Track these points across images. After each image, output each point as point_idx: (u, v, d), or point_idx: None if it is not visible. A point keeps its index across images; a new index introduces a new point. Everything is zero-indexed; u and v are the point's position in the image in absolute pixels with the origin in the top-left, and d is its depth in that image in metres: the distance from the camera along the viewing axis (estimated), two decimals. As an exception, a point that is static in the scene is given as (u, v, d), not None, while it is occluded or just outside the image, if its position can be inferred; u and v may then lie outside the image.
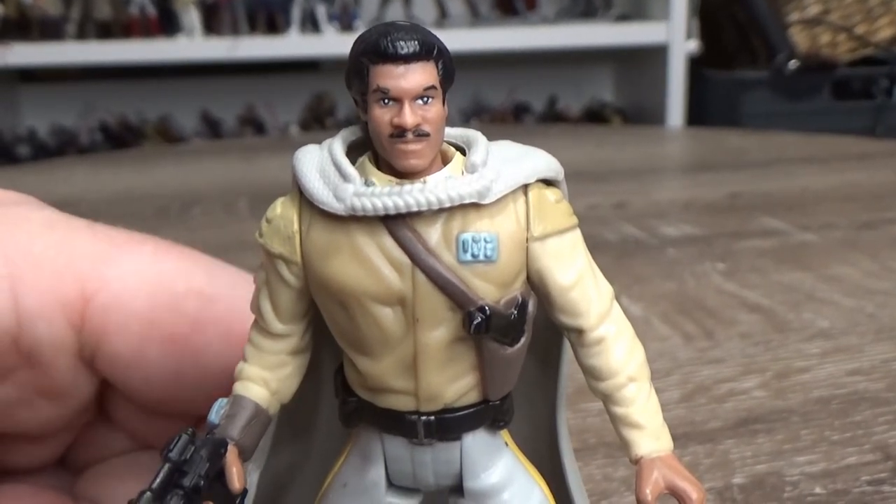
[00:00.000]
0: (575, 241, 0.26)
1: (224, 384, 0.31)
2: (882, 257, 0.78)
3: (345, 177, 0.24)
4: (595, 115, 2.37)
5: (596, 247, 0.88)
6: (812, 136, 1.46)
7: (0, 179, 1.28)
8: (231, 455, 0.25)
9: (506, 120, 2.37)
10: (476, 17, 2.28)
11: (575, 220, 0.26)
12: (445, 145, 0.25)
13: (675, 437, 0.47)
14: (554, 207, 0.25)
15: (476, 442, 0.27)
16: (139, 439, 0.35)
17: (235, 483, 0.25)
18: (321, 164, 0.25)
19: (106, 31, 2.04)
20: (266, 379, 0.27)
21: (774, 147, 1.37)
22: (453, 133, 0.26)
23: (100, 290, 0.31)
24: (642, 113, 2.26)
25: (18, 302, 0.30)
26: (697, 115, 2.12)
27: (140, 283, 0.31)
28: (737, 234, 0.87)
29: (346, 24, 2.05)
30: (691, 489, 0.25)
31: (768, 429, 0.48)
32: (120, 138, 2.27)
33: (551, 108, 2.43)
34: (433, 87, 0.24)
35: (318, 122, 2.29)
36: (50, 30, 2.00)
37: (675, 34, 2.04)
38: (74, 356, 0.31)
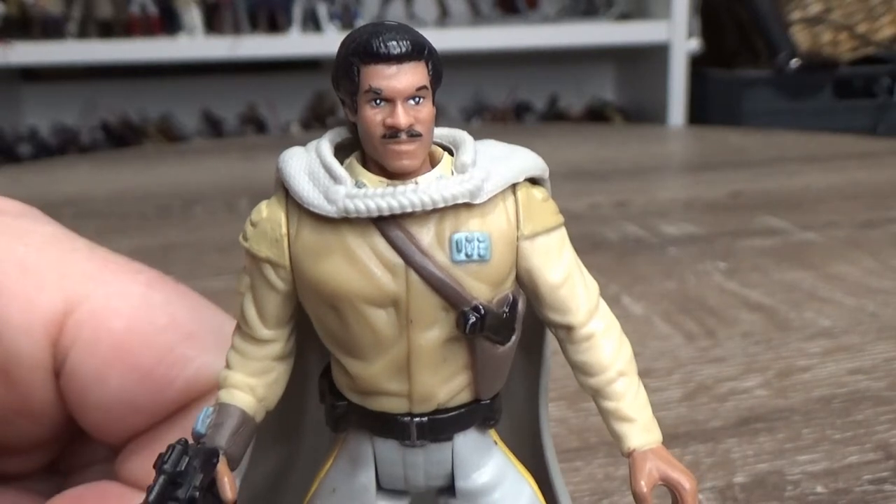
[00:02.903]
0: (562, 239, 0.26)
1: (181, 427, 0.31)
2: (884, 256, 0.78)
3: (335, 179, 0.24)
4: (596, 114, 2.37)
5: (597, 246, 0.88)
6: (813, 135, 1.46)
7: (1, 178, 1.28)
8: (222, 465, 0.25)
9: (507, 119, 2.37)
10: (477, 16, 2.28)
11: (561, 218, 0.26)
12: (433, 146, 0.25)
13: (676, 437, 0.47)
14: (542, 206, 0.26)
15: (467, 442, 0.27)
16: (117, 450, 0.35)
17: (228, 493, 0.25)
18: (309, 167, 0.25)
19: (107, 30, 2.04)
20: (252, 386, 0.27)
21: (776, 146, 1.37)
22: (439, 133, 0.26)
23: (80, 305, 0.30)
24: (643, 112, 2.26)
25: (1, 313, 0.29)
26: (699, 113, 2.12)
27: (122, 307, 0.31)
28: (738, 232, 0.87)
29: (347, 23, 2.05)
30: (684, 479, 0.25)
31: (770, 428, 0.48)
32: (121, 137, 2.27)
33: (552, 107, 2.43)
34: (424, 87, 0.24)
35: (319, 121, 2.29)
36: (51, 28, 2.00)
37: (676, 33, 2.04)
38: (49, 372, 0.31)
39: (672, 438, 0.47)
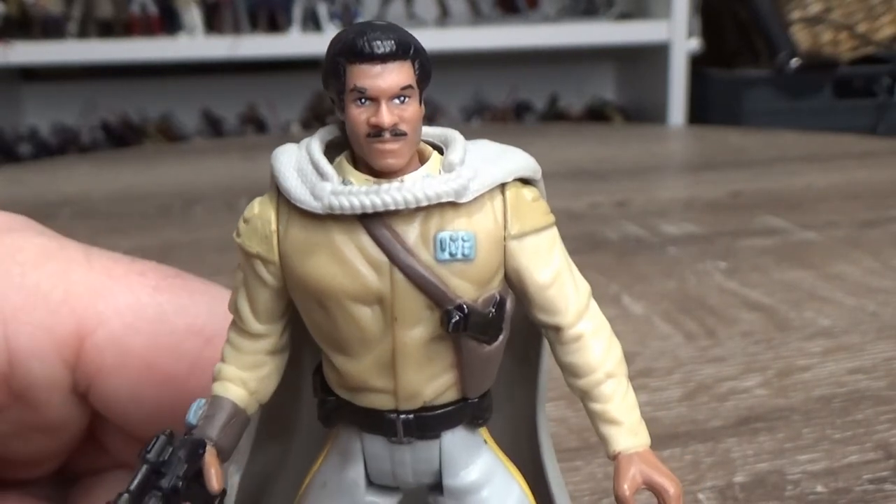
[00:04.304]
0: (552, 240, 0.26)
1: None
2: (884, 256, 0.78)
3: (322, 175, 0.24)
4: (596, 114, 2.37)
5: (597, 245, 0.88)
6: (813, 135, 1.46)
7: (1, 178, 1.28)
8: (209, 456, 0.25)
9: (507, 118, 2.37)
10: (477, 16, 2.28)
11: (552, 218, 0.26)
12: (423, 144, 0.25)
13: (676, 436, 0.47)
14: (531, 206, 0.25)
15: (455, 440, 0.27)
16: (124, 461, 0.35)
17: (213, 484, 0.25)
18: (299, 163, 0.25)
19: (107, 30, 2.04)
20: (244, 379, 0.27)
21: (776, 145, 1.37)
22: (431, 132, 0.26)
23: (96, 328, 0.30)
24: (644, 111, 2.26)
25: (10, 341, 0.29)
26: (699, 113, 2.12)
27: (138, 321, 0.31)
28: (738, 232, 0.87)
29: (347, 23, 2.05)
30: (669, 484, 0.25)
31: (770, 427, 0.48)
32: (121, 137, 2.27)
33: (553, 107, 2.43)
34: (410, 86, 0.24)
35: (319, 121, 2.29)
36: (51, 28, 2.00)
37: (676, 33, 2.04)
38: (68, 392, 0.31)
39: (672, 438, 0.47)
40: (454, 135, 0.26)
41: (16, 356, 0.29)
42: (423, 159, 0.25)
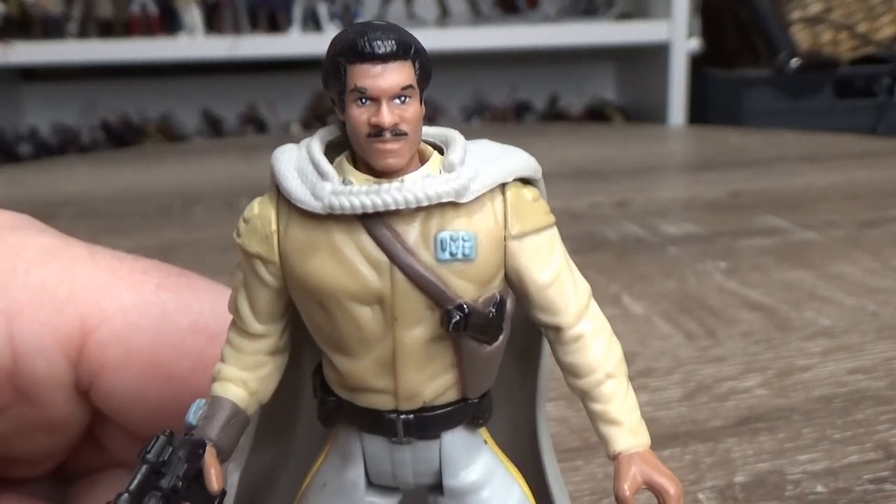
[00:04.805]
0: (552, 240, 0.26)
1: None
2: (884, 256, 0.78)
3: (323, 175, 0.24)
4: (596, 114, 2.37)
5: (597, 245, 0.87)
6: (814, 135, 1.46)
7: (1, 178, 1.28)
8: (209, 456, 0.25)
9: (507, 119, 2.37)
10: (477, 16, 2.28)
11: (552, 218, 0.26)
12: (423, 144, 0.25)
13: (676, 436, 0.47)
14: (531, 206, 0.26)
15: (455, 440, 0.27)
16: (123, 460, 0.35)
17: (213, 484, 0.25)
18: (299, 163, 0.25)
19: (107, 30, 2.04)
20: (244, 379, 0.27)
21: (776, 145, 1.37)
22: (431, 132, 0.26)
23: (99, 326, 0.30)
24: (644, 111, 2.26)
25: (15, 338, 0.29)
26: (699, 113, 2.12)
27: (142, 319, 0.31)
28: (738, 232, 0.87)
29: (347, 23, 2.05)
30: (669, 484, 0.25)
31: (770, 427, 0.48)
32: (121, 137, 2.27)
33: (553, 107, 2.43)
34: (410, 86, 0.24)
35: (319, 121, 2.29)
36: (51, 28, 2.00)
37: (676, 33, 2.04)
38: (71, 390, 0.31)
39: (672, 438, 0.47)
40: (454, 135, 0.26)
41: (20, 354, 0.29)
42: (423, 159, 0.25)
